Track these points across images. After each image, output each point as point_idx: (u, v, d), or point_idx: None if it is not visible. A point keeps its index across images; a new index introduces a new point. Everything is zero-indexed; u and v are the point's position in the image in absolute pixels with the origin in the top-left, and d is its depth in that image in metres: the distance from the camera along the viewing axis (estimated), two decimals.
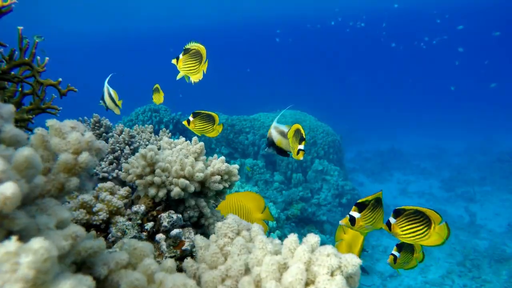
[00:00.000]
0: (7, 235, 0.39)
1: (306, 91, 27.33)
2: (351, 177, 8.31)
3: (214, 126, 2.05)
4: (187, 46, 1.89)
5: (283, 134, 1.74)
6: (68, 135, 0.51)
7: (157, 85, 3.04)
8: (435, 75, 34.27)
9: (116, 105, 2.13)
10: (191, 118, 2.02)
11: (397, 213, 1.41)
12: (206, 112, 2.01)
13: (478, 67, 33.36)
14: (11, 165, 0.39)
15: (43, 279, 0.33)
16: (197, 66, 1.91)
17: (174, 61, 1.91)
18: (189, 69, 1.92)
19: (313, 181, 6.06)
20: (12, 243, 0.32)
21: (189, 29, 33.06)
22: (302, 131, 1.65)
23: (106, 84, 2.14)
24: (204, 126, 2.03)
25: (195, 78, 1.95)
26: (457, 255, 5.15)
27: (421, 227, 1.38)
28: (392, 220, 1.42)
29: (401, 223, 1.40)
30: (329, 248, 0.50)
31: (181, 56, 1.90)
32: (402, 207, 1.43)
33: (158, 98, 2.99)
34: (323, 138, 6.67)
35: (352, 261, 0.49)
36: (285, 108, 2.45)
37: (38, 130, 0.50)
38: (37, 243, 0.33)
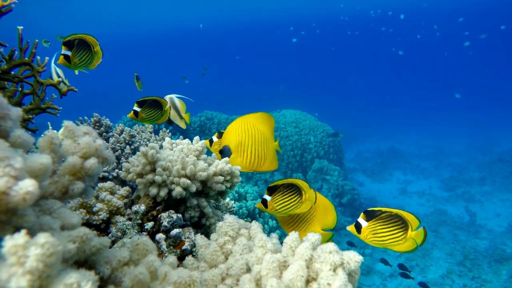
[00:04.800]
0: (15, 232, 0.39)
1: (307, 91, 27.35)
2: (351, 177, 8.32)
3: (163, 111, 1.82)
4: (66, 39, 1.63)
5: (174, 106, 1.79)
6: (80, 138, 0.51)
7: (135, 74, 3.18)
8: (435, 74, 34.28)
9: (64, 82, 2.08)
10: (137, 109, 1.74)
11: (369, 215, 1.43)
12: (152, 98, 1.78)
13: (478, 67, 33.38)
14: (25, 166, 0.40)
15: (49, 273, 0.33)
16: (89, 55, 1.70)
17: (61, 60, 1.64)
18: (85, 61, 1.69)
19: (313, 181, 6.06)
20: (21, 236, 0.33)
21: (187, 30, 33.08)
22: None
23: (52, 64, 2.09)
24: (153, 113, 1.79)
25: (94, 65, 1.73)
26: (457, 255, 5.15)
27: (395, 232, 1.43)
28: (363, 223, 1.44)
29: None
30: (330, 246, 0.50)
31: (69, 53, 1.65)
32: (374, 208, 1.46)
33: (138, 86, 3.16)
34: (323, 138, 6.67)
35: (354, 258, 0.49)
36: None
37: (48, 133, 0.50)
38: (43, 237, 0.33)
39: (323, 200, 1.50)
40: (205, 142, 1.58)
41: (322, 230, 1.51)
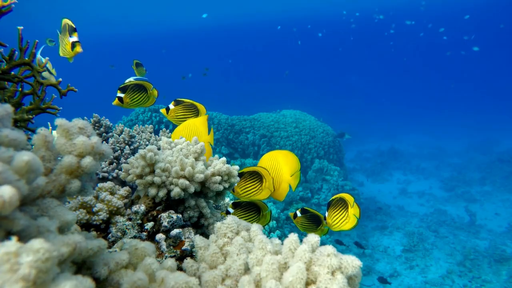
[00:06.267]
0: (7, 235, 0.39)
1: (307, 91, 27.35)
2: (351, 177, 8.31)
3: (148, 94, 1.80)
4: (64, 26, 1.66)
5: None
6: (75, 137, 0.51)
7: (135, 61, 3.15)
8: (435, 74, 34.26)
9: (51, 73, 2.07)
10: (121, 95, 1.72)
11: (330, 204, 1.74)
12: (136, 81, 1.76)
13: (478, 67, 33.35)
14: (11, 167, 0.39)
15: (43, 279, 0.33)
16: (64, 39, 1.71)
17: (77, 49, 1.65)
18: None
19: (313, 181, 6.06)
20: (12, 243, 0.32)
21: (188, 31, 33.08)
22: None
23: (38, 55, 2.09)
24: (138, 97, 1.77)
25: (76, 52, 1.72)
26: (457, 255, 5.14)
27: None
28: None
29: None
30: (329, 248, 0.50)
31: (75, 39, 1.68)
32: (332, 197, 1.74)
33: (138, 73, 3.13)
34: (323, 138, 6.67)
35: (353, 263, 0.49)
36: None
37: (41, 131, 0.49)
38: (37, 243, 0.33)
39: (280, 152, 1.70)
40: (162, 110, 1.71)
41: (290, 175, 1.71)
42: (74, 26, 1.68)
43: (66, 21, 1.71)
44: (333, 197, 1.76)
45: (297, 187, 1.83)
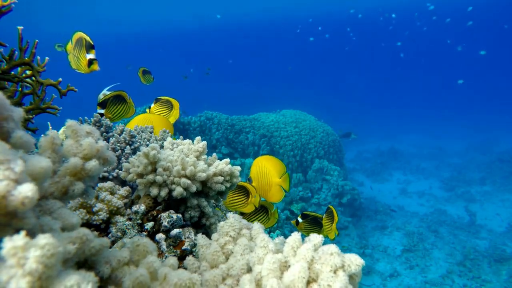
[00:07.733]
0: (14, 233, 0.39)
1: (307, 91, 27.34)
2: (351, 177, 8.32)
3: (128, 104, 1.73)
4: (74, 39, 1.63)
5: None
6: (82, 139, 0.51)
7: (142, 68, 3.20)
8: (435, 74, 34.26)
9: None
10: (101, 111, 1.64)
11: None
12: (113, 93, 1.67)
13: (478, 67, 33.36)
14: (26, 168, 0.40)
15: (49, 274, 0.33)
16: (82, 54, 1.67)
17: (94, 67, 1.63)
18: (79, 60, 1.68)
19: (313, 181, 6.06)
20: (20, 238, 0.33)
21: (186, 30, 33.08)
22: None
23: None
24: (119, 110, 1.69)
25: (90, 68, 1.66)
26: (457, 255, 5.14)
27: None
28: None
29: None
30: (333, 247, 0.50)
31: (92, 57, 1.66)
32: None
33: (148, 79, 3.21)
34: (323, 138, 6.67)
35: (356, 261, 0.49)
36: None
37: (50, 133, 0.50)
38: (43, 238, 0.33)
39: (264, 157, 1.84)
40: (147, 110, 1.77)
41: (279, 178, 1.84)
42: (92, 43, 1.64)
43: (82, 35, 1.66)
44: (329, 207, 2.01)
45: (290, 187, 2.02)
